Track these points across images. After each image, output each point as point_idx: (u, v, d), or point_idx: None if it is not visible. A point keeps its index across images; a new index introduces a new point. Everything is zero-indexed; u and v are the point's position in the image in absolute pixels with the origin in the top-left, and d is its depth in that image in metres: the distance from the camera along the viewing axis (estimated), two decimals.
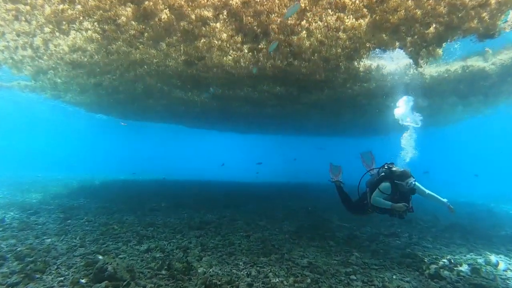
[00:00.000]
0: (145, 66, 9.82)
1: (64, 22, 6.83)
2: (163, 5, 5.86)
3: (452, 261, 5.41)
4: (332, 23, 6.20)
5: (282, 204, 11.53)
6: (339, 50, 7.35)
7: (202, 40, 7.23)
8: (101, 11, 6.13)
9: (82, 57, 8.68)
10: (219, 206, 10.24)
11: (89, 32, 7.35)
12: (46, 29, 7.41)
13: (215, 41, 7.20)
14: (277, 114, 15.92)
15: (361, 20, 6.08)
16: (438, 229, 8.61)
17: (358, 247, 6.21)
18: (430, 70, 9.86)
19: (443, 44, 6.90)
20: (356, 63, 8.33)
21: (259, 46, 7.36)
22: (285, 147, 49.66)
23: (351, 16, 5.95)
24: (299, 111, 14.79)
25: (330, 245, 6.21)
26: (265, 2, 5.60)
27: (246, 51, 7.65)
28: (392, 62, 9.11)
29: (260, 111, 15.36)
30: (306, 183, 24.42)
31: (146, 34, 7.05)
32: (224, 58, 8.07)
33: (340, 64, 8.17)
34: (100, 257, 4.66)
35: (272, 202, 11.89)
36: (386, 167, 5.50)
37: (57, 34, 7.56)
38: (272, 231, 7.11)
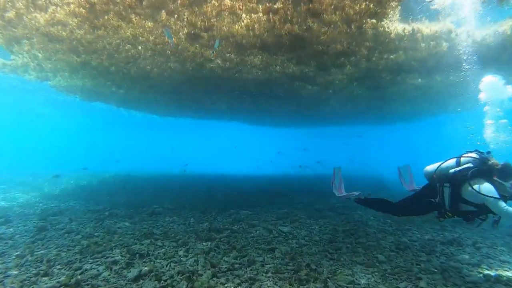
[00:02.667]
0: (139, 47, 8.30)
1: None
2: None
3: None
4: None
5: (303, 201, 9.98)
6: (363, 6, 5.90)
7: (212, 2, 5.74)
8: None
9: (61, 32, 7.23)
10: (232, 205, 8.73)
11: (72, 6, 6.06)
12: (19, 5, 6.16)
13: (227, 1, 5.69)
14: (288, 100, 14.31)
15: None
16: (502, 231, 6.98)
17: (416, 263, 4.68)
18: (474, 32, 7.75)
19: None
20: (385, 25, 6.77)
21: (276, 6, 5.82)
22: (301, 138, 47.95)
23: None
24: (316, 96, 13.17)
25: (380, 261, 4.69)
26: None
27: (261, 13, 6.08)
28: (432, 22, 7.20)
29: (270, 97, 13.78)
30: (322, 175, 22.84)
31: (145, 2, 5.71)
32: (236, 25, 6.52)
33: (364, 26, 6.63)
34: None
35: (292, 199, 10.35)
36: (476, 156, 3.75)
37: (32, 10, 6.30)
38: (300, 240, 5.59)
